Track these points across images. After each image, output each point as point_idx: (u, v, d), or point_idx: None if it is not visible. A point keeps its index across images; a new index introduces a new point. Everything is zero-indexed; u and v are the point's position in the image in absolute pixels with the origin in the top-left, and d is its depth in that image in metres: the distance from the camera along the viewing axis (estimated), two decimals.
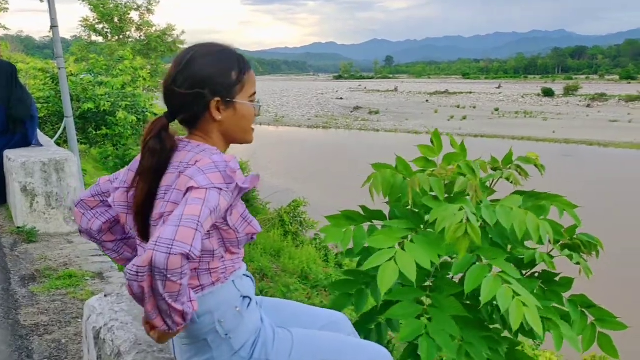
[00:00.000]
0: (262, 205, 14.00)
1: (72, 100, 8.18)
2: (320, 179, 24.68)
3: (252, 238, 1.38)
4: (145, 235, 1.34)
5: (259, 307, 1.47)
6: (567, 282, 1.78)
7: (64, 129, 7.12)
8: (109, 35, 30.76)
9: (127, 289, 1.12)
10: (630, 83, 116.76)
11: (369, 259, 1.64)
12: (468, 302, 1.82)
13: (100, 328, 1.86)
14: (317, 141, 40.94)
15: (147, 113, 11.13)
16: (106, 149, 12.07)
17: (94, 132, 11.32)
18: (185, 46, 1.49)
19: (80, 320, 2.85)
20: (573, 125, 45.26)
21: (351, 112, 62.00)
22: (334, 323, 1.59)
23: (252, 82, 1.39)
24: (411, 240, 1.67)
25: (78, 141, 7.94)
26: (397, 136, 42.66)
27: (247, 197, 13.93)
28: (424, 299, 1.79)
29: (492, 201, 1.80)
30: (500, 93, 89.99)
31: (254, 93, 1.40)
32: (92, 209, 1.49)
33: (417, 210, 1.82)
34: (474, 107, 64.96)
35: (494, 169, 1.95)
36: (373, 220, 1.96)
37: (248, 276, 1.47)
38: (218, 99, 1.32)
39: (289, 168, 26.86)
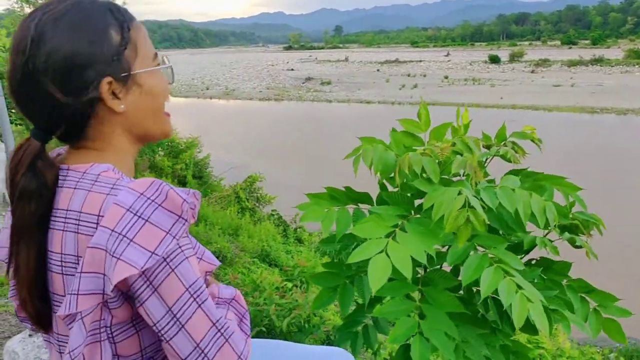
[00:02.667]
0: (217, 182, 13.55)
1: (1, 78, 7.52)
2: (277, 153, 24.32)
3: (205, 278, 0.98)
4: (45, 323, 0.90)
5: None
6: (565, 268, 1.62)
7: None
8: None
9: None
10: (571, 48, 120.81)
11: (356, 251, 1.39)
12: (461, 293, 1.65)
13: None
14: (270, 114, 40.29)
15: None
16: None
17: None
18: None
19: None
20: (519, 91, 46.36)
21: (303, 83, 61.35)
22: None
23: (144, 35, 0.90)
24: (403, 229, 1.45)
25: (12, 122, 7.33)
26: (350, 106, 42.57)
27: (201, 174, 13.46)
28: (414, 294, 1.59)
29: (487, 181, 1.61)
30: (449, 61, 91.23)
31: (156, 54, 0.92)
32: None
33: (408, 194, 1.60)
34: (424, 76, 65.51)
35: (487, 147, 1.75)
36: (359, 204, 1.70)
37: None
38: (109, 79, 0.83)
39: (243, 143, 26.29)
